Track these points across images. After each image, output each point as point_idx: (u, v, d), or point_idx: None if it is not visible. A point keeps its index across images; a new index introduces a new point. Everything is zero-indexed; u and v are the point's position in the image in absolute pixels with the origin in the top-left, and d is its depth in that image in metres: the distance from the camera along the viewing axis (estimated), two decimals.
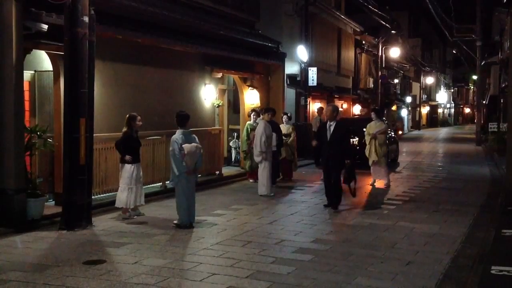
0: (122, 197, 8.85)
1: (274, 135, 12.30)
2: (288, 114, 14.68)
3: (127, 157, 8.84)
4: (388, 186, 12.92)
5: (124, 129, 9.08)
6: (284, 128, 13.85)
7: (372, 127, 13.10)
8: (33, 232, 7.82)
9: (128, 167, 8.89)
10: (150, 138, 11.15)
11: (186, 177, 8.34)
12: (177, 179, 8.34)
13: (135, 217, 8.92)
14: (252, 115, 13.60)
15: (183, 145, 8.24)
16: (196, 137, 8.60)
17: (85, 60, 8.09)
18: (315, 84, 21.31)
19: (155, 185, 11.46)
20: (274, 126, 12.50)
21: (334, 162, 9.85)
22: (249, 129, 13.35)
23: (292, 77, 20.23)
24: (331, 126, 9.87)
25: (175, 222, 8.39)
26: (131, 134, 9.04)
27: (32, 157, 9.14)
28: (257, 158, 11.70)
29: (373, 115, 13.59)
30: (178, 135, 8.38)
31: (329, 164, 9.93)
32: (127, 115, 9.17)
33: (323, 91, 24.10)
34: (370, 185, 13.06)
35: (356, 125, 16.14)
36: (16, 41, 8.01)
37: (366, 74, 33.58)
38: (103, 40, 9.44)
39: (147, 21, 11.40)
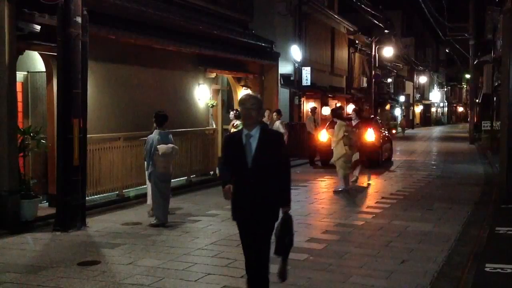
0: None
1: None
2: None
3: None
4: (340, 190, 11.82)
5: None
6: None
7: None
8: (27, 233, 7.79)
9: None
10: (143, 138, 11.14)
11: (160, 177, 8.43)
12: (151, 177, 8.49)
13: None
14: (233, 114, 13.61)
15: (158, 146, 8.29)
16: (172, 138, 8.64)
17: (78, 60, 8.07)
18: (309, 83, 21.34)
19: None
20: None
21: (263, 215, 4.72)
22: None
23: (286, 76, 20.25)
24: (252, 137, 4.71)
25: (152, 222, 8.38)
26: None
27: (26, 158, 9.10)
28: None
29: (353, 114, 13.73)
30: (154, 135, 8.42)
31: (253, 220, 4.72)
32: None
33: (317, 90, 24.13)
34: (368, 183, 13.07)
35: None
36: (9, 42, 7.98)
37: (359, 74, 33.63)
38: (96, 41, 9.41)
39: (140, 21, 11.38)
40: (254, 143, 4.70)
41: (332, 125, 12.97)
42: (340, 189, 11.80)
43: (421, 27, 55.09)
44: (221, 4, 15.42)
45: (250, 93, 5.32)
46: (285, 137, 13.64)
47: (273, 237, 4.70)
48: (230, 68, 15.41)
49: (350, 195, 11.68)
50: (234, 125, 13.60)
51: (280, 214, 4.71)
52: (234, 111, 13.98)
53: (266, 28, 18.66)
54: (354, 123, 13.72)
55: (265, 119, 14.09)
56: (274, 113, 14.05)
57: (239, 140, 4.77)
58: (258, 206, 4.69)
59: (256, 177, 4.68)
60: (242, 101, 4.76)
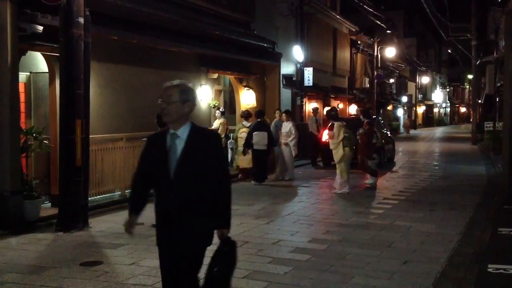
0: None
1: (265, 134, 13.09)
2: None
3: None
4: (344, 192, 11.71)
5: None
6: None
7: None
8: (29, 234, 7.79)
9: None
10: (145, 139, 11.15)
11: None
12: None
13: None
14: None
15: None
16: None
17: (81, 61, 8.08)
18: (311, 84, 21.33)
19: None
20: (264, 126, 13.34)
21: (189, 239, 3.68)
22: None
23: (288, 77, 20.24)
24: (178, 139, 3.70)
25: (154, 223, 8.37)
26: None
27: (28, 158, 9.12)
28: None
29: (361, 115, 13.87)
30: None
31: (176, 245, 3.71)
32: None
33: (319, 91, 24.12)
34: (366, 183, 13.08)
35: (351, 125, 16.15)
36: (11, 42, 7.99)
37: (361, 74, 33.61)
38: (98, 41, 9.42)
39: (142, 22, 11.38)
40: (180, 146, 3.65)
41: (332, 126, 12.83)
42: (343, 192, 11.73)
43: (423, 28, 55.05)
44: (222, 4, 15.42)
45: (177, 81, 3.69)
46: (295, 139, 13.79)
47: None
48: (232, 69, 15.42)
49: (352, 196, 11.67)
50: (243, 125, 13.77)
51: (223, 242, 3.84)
52: (241, 112, 14.16)
53: (268, 28, 18.65)
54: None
55: (276, 119, 14.30)
56: (283, 114, 14.16)
57: (162, 142, 3.73)
58: (182, 228, 3.62)
59: (180, 189, 3.62)
60: (162, 91, 3.74)
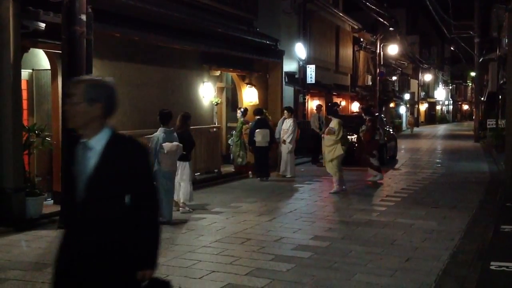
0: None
1: (267, 131, 13.24)
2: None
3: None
4: (337, 192, 11.43)
5: (178, 127, 9.11)
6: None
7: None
8: (32, 231, 7.80)
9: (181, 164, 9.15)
10: (148, 136, 11.14)
11: (165, 176, 8.44)
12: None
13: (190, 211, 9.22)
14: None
15: (163, 144, 8.32)
16: (176, 136, 8.66)
17: (83, 58, 8.06)
18: (313, 81, 21.34)
19: None
20: (265, 123, 13.49)
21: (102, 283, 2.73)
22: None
23: (290, 74, 20.22)
24: (91, 151, 2.80)
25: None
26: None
27: (31, 156, 9.12)
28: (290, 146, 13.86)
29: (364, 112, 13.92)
30: (159, 133, 8.46)
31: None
32: (183, 114, 9.25)
33: (322, 88, 24.11)
34: (369, 181, 13.08)
35: (354, 122, 16.14)
36: (14, 40, 7.99)
37: (364, 72, 33.57)
38: (101, 39, 9.42)
39: (144, 19, 11.38)
40: (92, 160, 2.77)
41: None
42: (337, 191, 11.49)
43: (426, 25, 54.95)
44: (225, 2, 15.40)
45: (86, 76, 3.13)
46: (291, 136, 13.82)
47: None
48: (235, 66, 15.41)
49: (355, 193, 11.67)
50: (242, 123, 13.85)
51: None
52: (241, 110, 14.14)
53: (270, 26, 18.62)
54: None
55: (284, 116, 14.33)
56: (285, 111, 14.26)
57: (75, 153, 2.87)
58: (91, 267, 2.73)
59: (89, 215, 2.74)
60: (76, 89, 2.84)
